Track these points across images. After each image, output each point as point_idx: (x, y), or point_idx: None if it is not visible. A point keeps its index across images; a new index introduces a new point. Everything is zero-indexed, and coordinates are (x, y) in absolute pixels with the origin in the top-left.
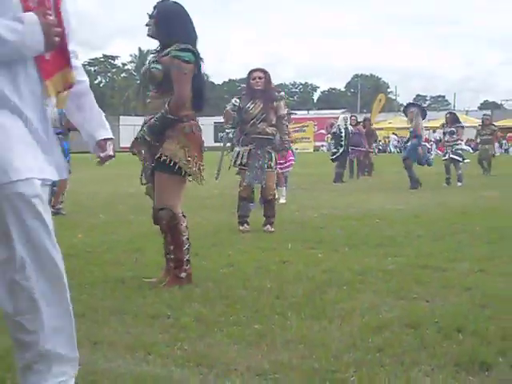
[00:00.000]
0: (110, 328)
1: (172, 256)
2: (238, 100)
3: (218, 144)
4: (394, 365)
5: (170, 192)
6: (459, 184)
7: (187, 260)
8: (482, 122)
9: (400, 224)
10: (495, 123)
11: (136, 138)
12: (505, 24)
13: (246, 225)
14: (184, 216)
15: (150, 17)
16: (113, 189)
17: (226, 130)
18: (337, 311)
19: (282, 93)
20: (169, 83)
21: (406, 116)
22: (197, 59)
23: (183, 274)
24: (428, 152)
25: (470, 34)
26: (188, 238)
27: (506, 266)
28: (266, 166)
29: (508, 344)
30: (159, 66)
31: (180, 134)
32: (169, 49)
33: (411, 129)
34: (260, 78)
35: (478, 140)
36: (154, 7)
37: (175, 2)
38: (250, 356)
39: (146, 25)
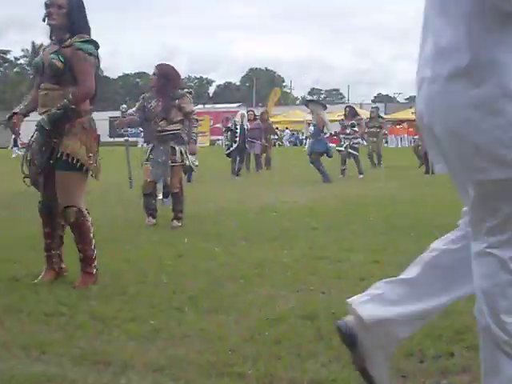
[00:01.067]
0: (3, 327)
1: (81, 254)
2: (125, 106)
3: (112, 139)
4: (291, 357)
5: (74, 190)
6: (360, 176)
7: (95, 256)
8: (370, 114)
9: (296, 216)
10: (389, 116)
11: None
12: (399, 18)
13: (151, 218)
14: (88, 213)
15: (59, 7)
16: (8, 185)
17: (125, 138)
18: (234, 304)
19: (186, 89)
20: (69, 75)
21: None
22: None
23: (94, 270)
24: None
25: (365, 27)
26: (93, 235)
27: (400, 256)
28: (169, 161)
29: None
30: (61, 57)
31: (80, 129)
32: (70, 40)
33: (314, 123)
34: (154, 74)
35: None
36: None
37: None
38: (147, 352)
39: (48, 14)
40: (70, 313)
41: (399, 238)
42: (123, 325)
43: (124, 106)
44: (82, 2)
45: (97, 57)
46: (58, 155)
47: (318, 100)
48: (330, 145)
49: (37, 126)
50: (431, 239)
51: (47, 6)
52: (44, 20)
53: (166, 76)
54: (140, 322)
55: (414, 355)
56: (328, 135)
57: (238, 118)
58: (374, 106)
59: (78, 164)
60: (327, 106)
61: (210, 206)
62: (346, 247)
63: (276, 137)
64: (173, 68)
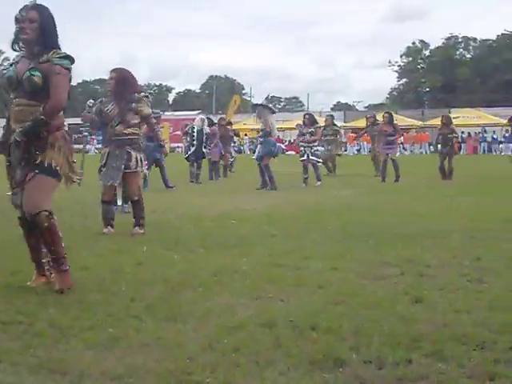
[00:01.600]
0: None
1: (53, 256)
2: (92, 101)
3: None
4: (250, 365)
5: (46, 195)
6: (318, 183)
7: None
8: (325, 122)
9: (254, 224)
10: (348, 124)
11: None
12: (358, 28)
13: (109, 227)
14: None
15: (30, 21)
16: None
17: (81, 128)
18: (192, 312)
19: (143, 93)
20: (46, 91)
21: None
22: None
23: (68, 266)
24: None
25: (325, 36)
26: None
27: (358, 264)
28: (123, 166)
29: (361, 340)
30: (39, 73)
31: (63, 142)
32: (47, 56)
33: (262, 127)
34: (111, 78)
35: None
36: (32, 9)
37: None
38: (105, 360)
39: (20, 29)
40: (28, 321)
41: (357, 245)
42: (81, 333)
43: (91, 101)
44: (53, 16)
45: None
46: (40, 162)
47: (265, 104)
48: (279, 145)
49: (12, 142)
50: (390, 246)
51: (18, 21)
52: (16, 35)
53: (124, 80)
54: (98, 331)
55: (372, 362)
56: (276, 138)
57: (197, 122)
58: (328, 113)
59: (58, 172)
60: (278, 112)
61: (169, 214)
62: (304, 255)
63: (235, 144)
64: (129, 72)
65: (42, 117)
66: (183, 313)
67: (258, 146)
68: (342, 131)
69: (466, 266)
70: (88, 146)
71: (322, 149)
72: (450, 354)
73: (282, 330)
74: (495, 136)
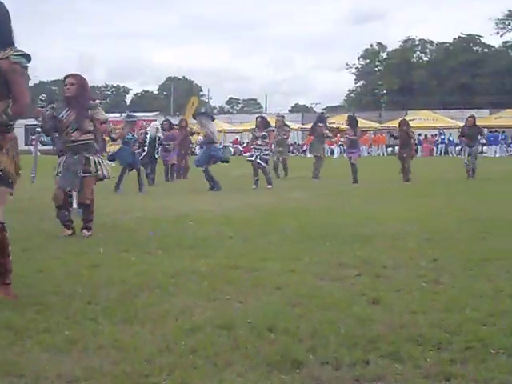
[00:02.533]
0: None
1: (1, 268)
2: (45, 95)
3: (28, 148)
4: (207, 366)
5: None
6: (269, 186)
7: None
8: (275, 123)
9: (212, 225)
10: (306, 126)
11: None
12: (317, 29)
13: (65, 229)
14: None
15: None
16: None
17: (37, 129)
18: (149, 314)
19: (98, 100)
20: (3, 88)
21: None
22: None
23: (10, 279)
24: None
25: (284, 37)
26: None
27: (315, 265)
28: (80, 171)
29: (318, 341)
30: None
31: (12, 144)
32: (4, 52)
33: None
34: (72, 84)
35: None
36: None
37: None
38: (61, 363)
39: None
40: None
41: (314, 247)
42: (37, 336)
43: (44, 95)
44: (8, 11)
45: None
46: None
47: (206, 112)
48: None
49: None
50: (346, 248)
51: None
52: None
53: (83, 86)
54: (54, 333)
55: (329, 363)
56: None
57: (151, 129)
58: (279, 114)
59: (9, 180)
60: (236, 114)
61: (126, 216)
62: (262, 256)
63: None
64: (85, 78)
65: (11, 122)
66: (140, 315)
67: (200, 151)
68: (294, 133)
69: (422, 267)
70: (35, 147)
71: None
72: (406, 354)
73: (240, 332)
74: (451, 138)
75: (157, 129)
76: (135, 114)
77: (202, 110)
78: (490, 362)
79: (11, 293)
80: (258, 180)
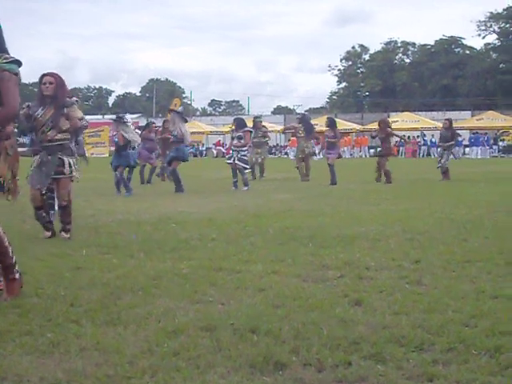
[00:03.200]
0: None
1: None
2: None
3: None
4: (190, 368)
5: None
6: (245, 188)
7: (15, 261)
8: (253, 125)
9: (194, 227)
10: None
11: None
12: (300, 30)
13: (45, 231)
14: None
15: None
16: None
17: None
18: (132, 316)
19: (74, 98)
20: None
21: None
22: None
23: (17, 275)
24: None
25: (266, 39)
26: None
27: (298, 267)
28: (52, 172)
29: (301, 342)
30: None
31: (5, 151)
32: None
33: (175, 133)
34: (51, 82)
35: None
36: None
37: None
38: (43, 366)
39: None
40: None
41: (297, 248)
42: (18, 338)
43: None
44: None
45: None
46: None
47: (182, 112)
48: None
49: None
50: (329, 249)
51: None
52: None
53: (63, 85)
54: (36, 336)
55: (312, 365)
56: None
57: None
58: (257, 116)
59: (6, 188)
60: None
61: (108, 218)
62: (245, 258)
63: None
64: (62, 77)
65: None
66: (123, 317)
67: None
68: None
69: (404, 269)
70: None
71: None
72: (389, 355)
73: (223, 334)
74: (433, 140)
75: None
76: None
77: (179, 110)
78: (472, 363)
79: (18, 288)
80: (236, 182)
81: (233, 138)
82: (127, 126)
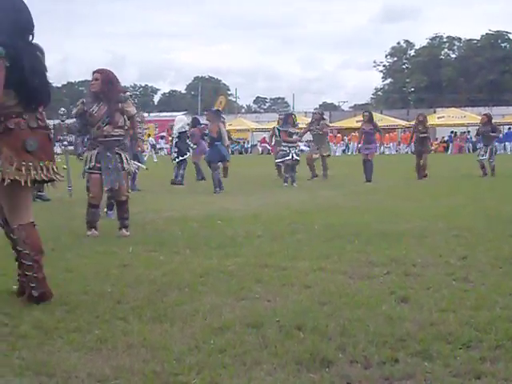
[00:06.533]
0: None
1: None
2: (63, 109)
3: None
4: (236, 365)
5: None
6: (286, 184)
7: None
8: (278, 122)
9: (240, 224)
10: (333, 124)
11: None
12: (347, 27)
13: (94, 230)
14: None
15: None
16: None
17: (64, 143)
18: (178, 313)
19: (128, 93)
20: None
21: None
22: (10, 52)
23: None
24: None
25: (311, 36)
26: None
27: (344, 264)
28: (120, 165)
29: (347, 339)
30: None
31: (5, 135)
32: None
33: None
34: (97, 79)
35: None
36: None
37: None
38: (91, 362)
39: None
40: (12, 323)
41: (343, 245)
42: (66, 335)
43: (62, 109)
44: None
45: (10, 56)
46: None
47: (218, 111)
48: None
49: None
50: (375, 246)
51: None
52: None
53: (110, 80)
54: (83, 332)
55: (358, 362)
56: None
57: (182, 123)
58: (316, 109)
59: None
60: (264, 113)
61: (155, 215)
62: (290, 255)
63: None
64: (113, 73)
65: None
66: (169, 314)
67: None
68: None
69: (451, 265)
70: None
71: (306, 148)
72: (436, 353)
73: (269, 330)
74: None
75: (181, 121)
76: (164, 113)
77: (215, 109)
78: None
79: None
80: (288, 177)
81: (290, 135)
82: (222, 122)
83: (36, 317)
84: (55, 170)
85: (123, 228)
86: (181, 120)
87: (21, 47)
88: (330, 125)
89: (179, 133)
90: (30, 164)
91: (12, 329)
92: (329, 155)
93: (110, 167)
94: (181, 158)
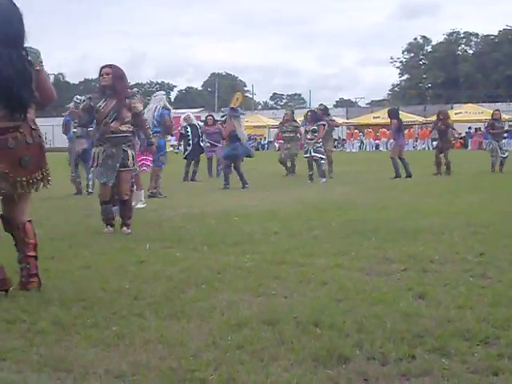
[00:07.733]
0: None
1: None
2: (79, 97)
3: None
4: (254, 361)
5: None
6: (323, 180)
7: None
8: (283, 117)
9: (257, 221)
10: (350, 120)
11: None
12: (364, 24)
13: (109, 227)
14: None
15: None
16: None
17: (73, 130)
18: (195, 310)
19: (135, 89)
20: None
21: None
22: None
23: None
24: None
25: (328, 33)
26: None
27: (361, 260)
28: (118, 164)
29: (364, 336)
30: None
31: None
32: None
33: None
34: (107, 73)
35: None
36: None
37: None
38: (108, 358)
39: None
40: (30, 319)
41: (361, 242)
42: (84, 331)
43: (78, 96)
44: None
45: None
46: None
47: (237, 109)
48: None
49: None
50: (392, 243)
51: None
52: None
53: (120, 76)
54: (101, 328)
55: (375, 358)
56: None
57: (184, 123)
58: (288, 108)
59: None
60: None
61: (171, 211)
62: (307, 251)
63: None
64: (122, 68)
65: None
66: (186, 310)
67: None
68: (302, 129)
69: (469, 262)
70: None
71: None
72: (453, 349)
73: (286, 327)
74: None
75: (188, 118)
76: (181, 110)
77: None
78: None
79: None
80: (312, 175)
81: (307, 132)
82: (239, 120)
83: (53, 313)
84: (45, 174)
85: (125, 226)
86: (184, 116)
87: None
88: (347, 121)
89: (189, 127)
90: (24, 179)
91: (30, 325)
92: (296, 154)
93: (109, 163)
94: (186, 155)
